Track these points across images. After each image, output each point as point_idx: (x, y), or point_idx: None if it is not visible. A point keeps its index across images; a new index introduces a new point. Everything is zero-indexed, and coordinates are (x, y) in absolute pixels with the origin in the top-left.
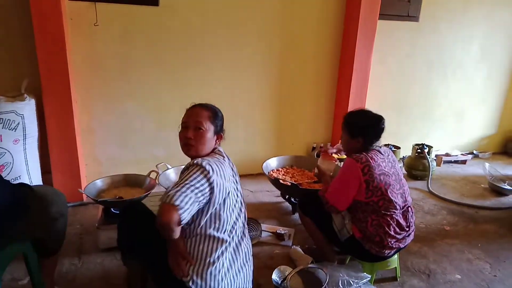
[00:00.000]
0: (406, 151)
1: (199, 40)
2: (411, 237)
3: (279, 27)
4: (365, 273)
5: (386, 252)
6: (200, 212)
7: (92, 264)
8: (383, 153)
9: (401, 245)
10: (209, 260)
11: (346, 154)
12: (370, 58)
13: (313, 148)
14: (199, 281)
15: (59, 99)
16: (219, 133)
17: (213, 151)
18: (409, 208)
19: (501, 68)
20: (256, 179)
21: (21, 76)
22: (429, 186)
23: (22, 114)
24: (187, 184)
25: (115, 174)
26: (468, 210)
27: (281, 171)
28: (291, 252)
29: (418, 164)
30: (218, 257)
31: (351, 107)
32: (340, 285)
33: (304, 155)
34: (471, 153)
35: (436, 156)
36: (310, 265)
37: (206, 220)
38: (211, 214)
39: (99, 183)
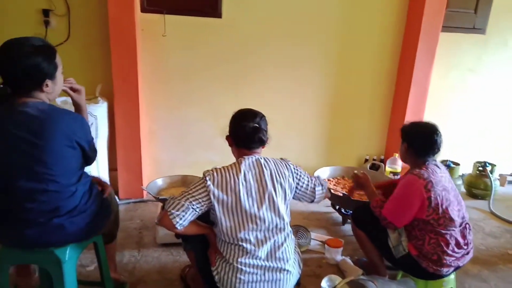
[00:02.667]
0: (468, 169)
1: (258, 51)
2: (470, 254)
3: (338, 38)
4: None
5: (444, 270)
6: (214, 218)
7: (150, 258)
8: (440, 167)
9: (460, 264)
10: (231, 263)
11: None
12: (430, 71)
13: (366, 160)
14: (221, 274)
15: (128, 103)
16: (229, 138)
17: (238, 159)
18: (467, 225)
19: None
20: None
21: (96, 80)
22: (491, 206)
23: (96, 115)
24: (185, 192)
25: (173, 174)
26: None
27: (332, 181)
28: (340, 263)
29: (479, 183)
30: (240, 262)
31: (408, 120)
32: None
33: (356, 166)
34: None
35: (500, 175)
36: (361, 277)
37: (218, 227)
38: (220, 221)
39: (159, 182)
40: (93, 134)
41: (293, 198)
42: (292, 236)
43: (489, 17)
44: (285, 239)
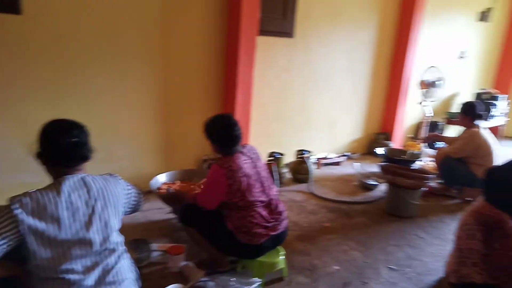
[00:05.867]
0: (290, 157)
1: (72, 52)
2: (284, 224)
3: (159, 41)
4: (256, 278)
5: (259, 240)
6: (26, 253)
7: None
8: (247, 153)
9: (273, 233)
10: None
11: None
12: (252, 73)
13: (205, 161)
14: None
15: None
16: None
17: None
18: (272, 201)
19: (362, 81)
20: (145, 197)
21: None
22: (311, 187)
23: None
24: None
25: None
26: (343, 206)
27: (172, 186)
28: (182, 269)
29: (300, 169)
30: None
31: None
32: None
33: (195, 168)
34: (344, 155)
35: (317, 159)
36: (201, 279)
37: (32, 262)
38: (36, 255)
39: None
40: None
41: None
42: (127, 254)
43: (296, 22)
44: (117, 260)
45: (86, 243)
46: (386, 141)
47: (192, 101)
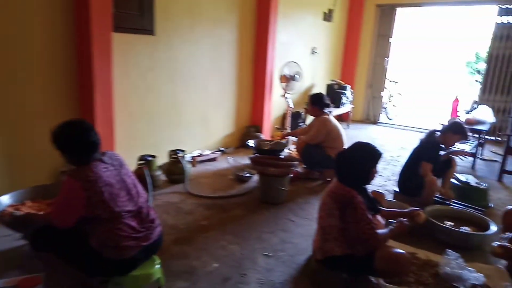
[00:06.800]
0: (163, 158)
1: None
2: (157, 232)
3: None
4: None
5: (130, 254)
6: None
7: None
8: (106, 161)
9: (145, 243)
10: None
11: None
12: (110, 71)
13: (63, 173)
14: None
15: None
16: None
17: None
18: (142, 209)
19: (229, 77)
20: None
21: None
22: (187, 187)
23: None
24: None
25: None
26: (220, 201)
27: (22, 207)
28: None
29: (175, 169)
30: None
31: (99, 124)
32: None
33: (51, 183)
34: (219, 150)
35: (192, 158)
36: None
37: None
38: None
39: None
40: None
41: None
42: None
43: (155, 19)
44: None
45: None
46: (257, 133)
47: (38, 103)
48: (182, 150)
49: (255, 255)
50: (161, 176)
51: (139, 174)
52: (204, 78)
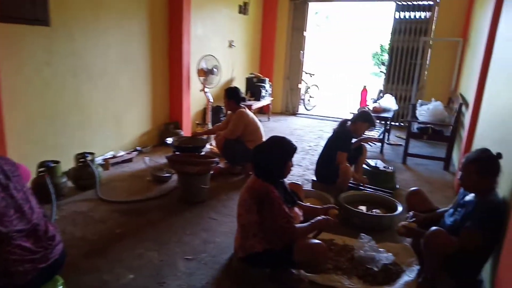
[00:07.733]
0: (69, 163)
1: None
2: (57, 250)
3: None
4: None
5: (24, 279)
6: None
7: None
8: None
9: (44, 264)
10: None
11: None
12: None
13: None
14: None
15: None
16: None
17: None
18: (38, 227)
19: (141, 72)
20: None
21: None
22: (98, 193)
23: None
24: None
25: None
26: (137, 205)
27: None
28: None
29: (83, 174)
30: None
31: None
32: None
33: None
34: (135, 150)
35: (104, 160)
36: None
37: None
38: None
39: None
40: None
41: None
42: None
43: (50, 9)
44: None
45: None
46: (176, 130)
47: None
48: (91, 153)
49: (175, 260)
50: (67, 183)
51: (39, 183)
52: (113, 73)
